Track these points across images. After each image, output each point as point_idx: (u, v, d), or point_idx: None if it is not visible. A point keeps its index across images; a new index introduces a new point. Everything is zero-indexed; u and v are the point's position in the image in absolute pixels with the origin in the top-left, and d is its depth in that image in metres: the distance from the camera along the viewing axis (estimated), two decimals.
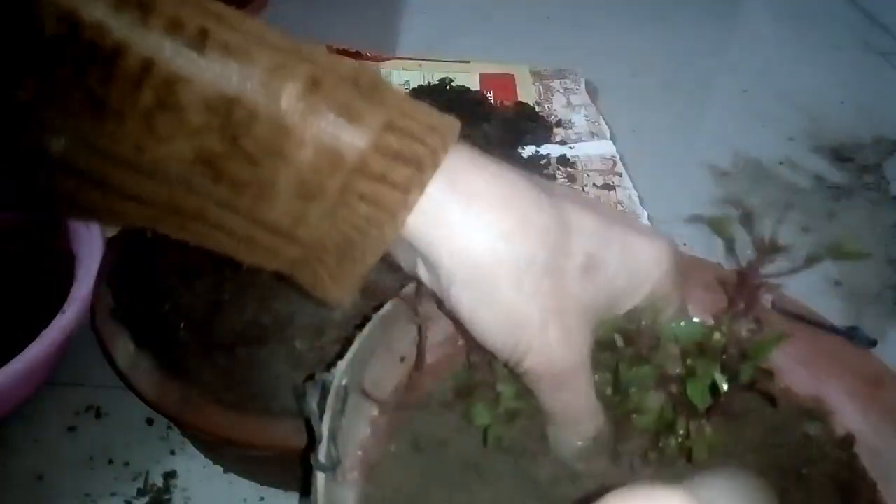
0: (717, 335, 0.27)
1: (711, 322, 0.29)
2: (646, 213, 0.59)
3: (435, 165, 0.24)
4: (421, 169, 0.24)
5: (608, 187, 0.62)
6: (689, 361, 0.27)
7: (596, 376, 0.27)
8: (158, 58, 0.22)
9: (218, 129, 0.23)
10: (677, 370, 0.28)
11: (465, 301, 0.25)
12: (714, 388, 0.26)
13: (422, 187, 0.24)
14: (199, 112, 0.23)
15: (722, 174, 0.68)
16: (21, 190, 0.25)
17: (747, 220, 0.27)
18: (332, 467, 0.26)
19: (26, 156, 0.24)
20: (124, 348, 0.37)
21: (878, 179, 0.68)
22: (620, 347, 0.28)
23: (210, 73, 0.23)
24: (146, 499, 0.40)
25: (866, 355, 0.31)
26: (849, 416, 0.31)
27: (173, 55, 0.22)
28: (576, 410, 0.27)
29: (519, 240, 0.25)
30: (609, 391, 0.28)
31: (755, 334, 0.27)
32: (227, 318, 0.44)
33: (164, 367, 0.37)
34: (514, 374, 0.27)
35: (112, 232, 0.45)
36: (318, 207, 0.24)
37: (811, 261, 0.26)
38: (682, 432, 0.27)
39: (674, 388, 0.27)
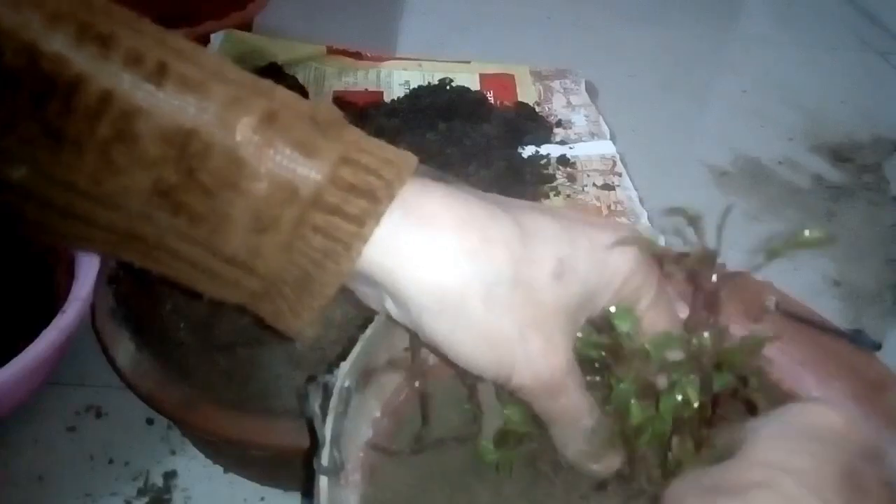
0: (694, 344, 0.27)
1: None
2: (646, 213, 0.59)
3: (391, 197, 0.24)
4: (376, 201, 0.24)
5: (608, 187, 0.62)
6: (671, 375, 0.27)
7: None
8: (117, 90, 0.23)
9: (174, 160, 0.23)
10: (663, 381, 0.27)
11: (440, 329, 0.25)
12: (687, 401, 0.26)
13: (377, 218, 0.24)
14: (156, 144, 0.23)
15: (721, 174, 0.68)
16: None
17: (694, 222, 0.27)
18: (336, 471, 0.26)
19: None
20: (125, 348, 0.37)
21: (878, 179, 0.68)
22: (607, 364, 0.27)
23: (167, 105, 0.23)
24: (146, 498, 0.40)
25: (870, 358, 0.31)
26: None
27: (132, 88, 0.23)
28: (573, 412, 0.26)
29: (483, 257, 0.25)
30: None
31: (721, 342, 0.27)
32: (227, 318, 0.44)
33: (165, 366, 0.37)
34: (507, 393, 0.27)
35: None
36: (274, 240, 0.24)
37: (772, 254, 0.26)
38: (676, 444, 0.27)
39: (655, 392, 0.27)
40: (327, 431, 0.26)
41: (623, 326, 0.27)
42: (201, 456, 0.42)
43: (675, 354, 0.28)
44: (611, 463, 0.28)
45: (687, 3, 0.96)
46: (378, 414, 0.30)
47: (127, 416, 0.43)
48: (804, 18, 0.95)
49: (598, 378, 0.28)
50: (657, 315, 0.28)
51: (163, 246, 0.25)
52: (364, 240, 0.24)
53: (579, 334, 0.27)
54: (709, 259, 0.27)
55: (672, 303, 0.29)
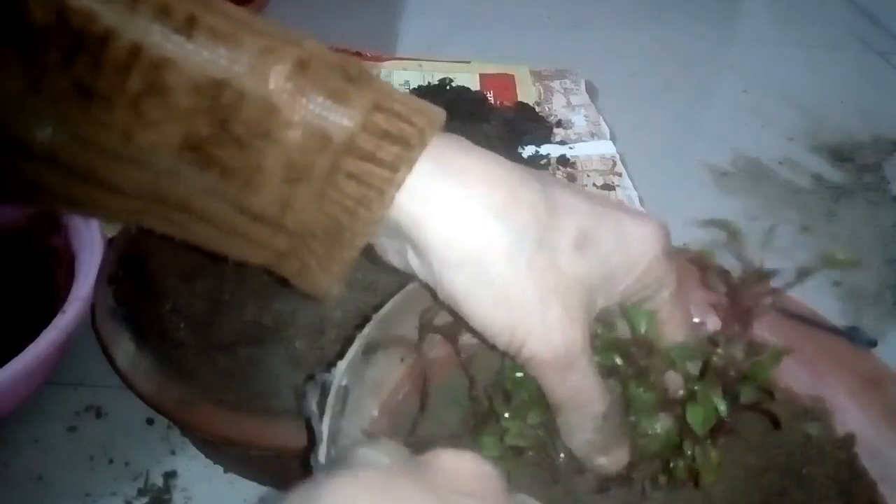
0: (715, 358, 0.26)
1: (709, 323, 0.29)
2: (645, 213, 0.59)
3: (423, 144, 0.24)
4: (409, 147, 0.24)
5: (608, 187, 0.62)
6: (689, 385, 0.27)
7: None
8: (146, 42, 0.22)
9: (206, 111, 0.23)
10: (680, 392, 0.27)
11: (460, 283, 0.25)
12: (715, 410, 0.25)
13: (410, 164, 0.24)
14: (188, 95, 0.23)
15: (722, 174, 0.68)
16: (4, 182, 0.25)
17: (734, 238, 0.27)
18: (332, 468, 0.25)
19: (11, 147, 0.24)
20: (124, 348, 0.37)
21: (878, 179, 0.68)
22: (622, 368, 0.27)
23: (198, 56, 0.23)
24: (146, 499, 0.40)
25: (866, 355, 0.31)
26: (849, 415, 0.31)
27: (161, 40, 0.23)
28: (584, 392, 0.26)
29: (510, 215, 0.24)
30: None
31: (752, 354, 0.27)
32: (227, 318, 0.44)
33: (165, 366, 0.37)
34: (517, 367, 0.27)
35: (113, 232, 0.45)
36: (306, 190, 0.24)
37: (803, 274, 0.26)
38: (689, 453, 0.26)
39: (678, 410, 0.27)
40: (324, 429, 0.26)
41: (642, 326, 0.27)
42: (201, 456, 0.42)
43: (693, 366, 0.27)
44: (619, 458, 0.27)
45: (687, 3, 0.96)
46: (376, 413, 0.30)
47: (127, 417, 0.43)
48: (804, 18, 0.95)
49: (611, 380, 0.28)
50: (673, 312, 0.27)
51: (188, 207, 0.25)
52: (397, 186, 0.24)
53: (598, 331, 0.27)
54: (762, 281, 0.27)
55: (687, 304, 0.29)
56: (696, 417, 0.25)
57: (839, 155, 0.71)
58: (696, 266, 0.30)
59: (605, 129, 0.69)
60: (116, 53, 0.22)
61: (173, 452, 0.42)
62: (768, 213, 0.63)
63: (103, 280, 0.40)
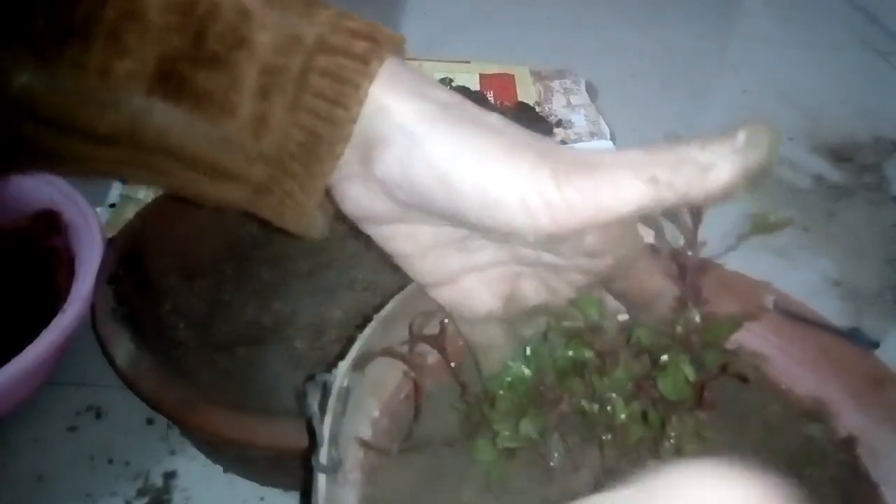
0: (678, 328, 0.27)
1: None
2: None
3: (389, 41, 0.25)
4: (377, 43, 0.24)
5: None
6: (659, 359, 0.27)
7: (569, 401, 0.27)
8: None
9: (180, 28, 0.24)
10: (652, 373, 0.27)
11: (440, 144, 0.24)
12: (684, 377, 0.26)
13: (381, 58, 0.24)
14: (163, 13, 0.23)
15: None
16: None
17: (671, 213, 0.27)
18: (334, 469, 0.25)
19: None
20: (124, 348, 0.37)
21: (878, 179, 0.68)
22: (588, 359, 0.27)
23: None
24: (146, 499, 0.40)
25: (868, 356, 0.31)
26: (850, 416, 0.31)
27: None
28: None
29: (482, 121, 0.25)
30: (589, 407, 0.28)
31: (710, 322, 0.27)
32: (227, 318, 0.44)
33: (165, 366, 0.37)
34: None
35: (113, 232, 0.45)
36: (280, 99, 0.24)
37: (741, 238, 0.26)
38: (672, 433, 0.27)
39: (653, 392, 0.27)
40: (326, 430, 0.26)
41: (593, 312, 0.27)
42: (201, 456, 0.42)
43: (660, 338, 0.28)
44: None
45: (687, 3, 0.96)
46: (377, 414, 0.30)
47: (127, 417, 0.43)
48: (804, 18, 0.95)
49: (580, 378, 0.28)
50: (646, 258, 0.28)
51: (165, 148, 0.25)
52: (370, 77, 0.24)
53: (552, 325, 0.28)
54: (698, 246, 0.27)
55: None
56: (667, 386, 0.26)
57: (839, 155, 0.71)
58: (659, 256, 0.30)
59: (605, 128, 0.69)
60: None
61: (173, 452, 0.42)
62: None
63: (103, 280, 0.40)
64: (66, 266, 0.44)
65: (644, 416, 0.27)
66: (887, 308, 0.55)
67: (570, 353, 0.27)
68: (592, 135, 0.68)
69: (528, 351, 0.28)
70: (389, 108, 0.24)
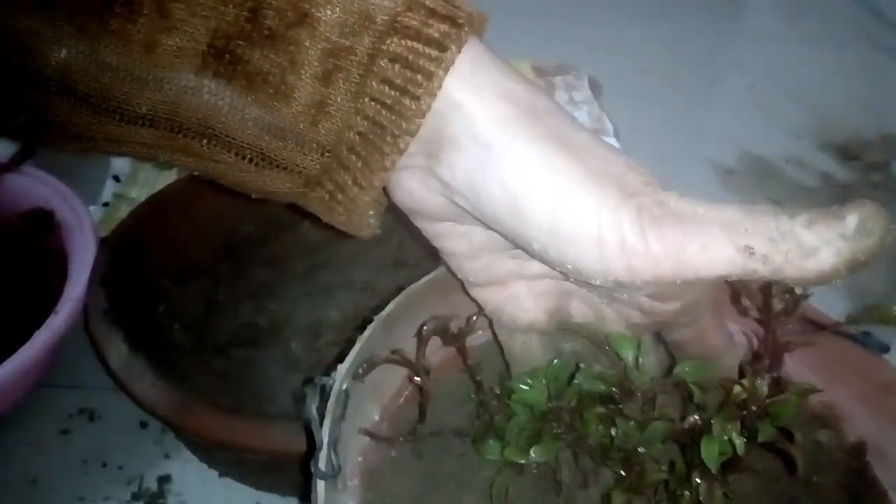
0: (737, 389, 0.24)
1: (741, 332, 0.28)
2: None
3: (471, 24, 0.22)
4: (458, 26, 0.21)
5: None
6: (703, 414, 0.25)
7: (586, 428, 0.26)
8: None
9: (235, 1, 0.21)
10: (694, 418, 0.25)
11: (516, 175, 0.21)
12: (731, 445, 0.24)
13: (460, 43, 0.21)
14: None
15: (727, 172, 0.67)
16: (10, 115, 0.24)
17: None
18: (333, 475, 0.25)
19: (20, 76, 0.22)
20: (118, 350, 0.36)
21: (886, 178, 0.67)
22: (615, 394, 0.26)
23: None
24: (140, 503, 0.39)
25: (878, 361, 0.30)
26: (860, 422, 0.30)
27: None
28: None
29: (538, 101, 0.23)
30: (607, 440, 0.26)
31: (777, 391, 0.25)
32: (221, 320, 0.44)
33: (158, 369, 0.36)
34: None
35: (106, 231, 0.45)
36: (343, 86, 0.21)
37: (852, 321, 0.24)
38: (696, 483, 0.25)
39: (686, 440, 0.26)
40: (325, 435, 0.25)
41: (628, 354, 0.26)
42: (196, 460, 0.41)
43: (707, 396, 0.26)
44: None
45: None
46: (377, 417, 0.29)
47: (120, 420, 0.43)
48: (811, 15, 0.94)
49: (602, 409, 0.26)
50: (710, 325, 0.26)
51: (209, 131, 0.23)
52: (447, 67, 0.21)
53: (582, 365, 0.26)
54: (797, 312, 0.25)
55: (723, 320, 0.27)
56: (710, 452, 0.24)
57: (846, 153, 0.70)
58: (729, 286, 0.27)
59: (608, 125, 0.68)
60: None
61: (167, 456, 0.41)
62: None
63: (96, 281, 0.40)
64: (58, 266, 0.43)
65: (671, 465, 0.26)
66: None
67: (601, 386, 0.26)
68: (596, 131, 0.67)
69: (548, 373, 0.27)
70: (466, 108, 0.22)
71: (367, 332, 0.28)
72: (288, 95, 0.22)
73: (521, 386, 0.27)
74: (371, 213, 0.24)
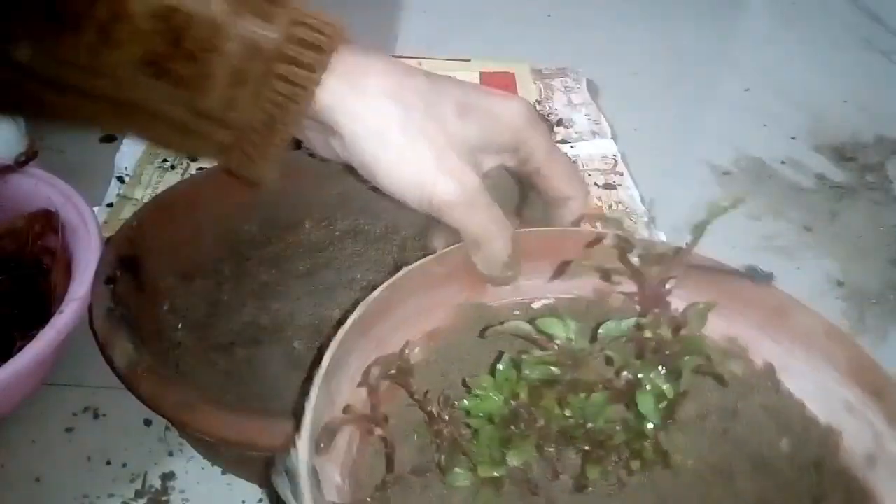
0: (648, 338, 0.27)
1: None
2: (647, 213, 0.59)
3: (333, 49, 0.31)
4: (322, 52, 0.31)
5: (609, 186, 0.62)
6: (629, 370, 0.27)
7: (542, 420, 0.27)
8: None
9: (162, 32, 0.29)
10: (625, 374, 0.27)
11: (369, 153, 0.31)
12: (663, 394, 0.26)
13: (324, 66, 0.31)
14: (147, 20, 0.29)
15: (724, 173, 0.67)
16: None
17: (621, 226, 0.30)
18: None
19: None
20: (122, 348, 0.36)
21: (881, 179, 0.68)
22: (558, 376, 0.27)
23: None
24: (144, 500, 0.39)
25: (768, 289, 0.32)
26: (764, 347, 0.32)
27: None
28: (491, 227, 0.32)
29: (398, 96, 0.32)
30: (567, 419, 0.27)
31: (677, 329, 0.28)
32: (225, 319, 0.44)
33: (163, 367, 0.36)
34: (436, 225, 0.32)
35: (110, 231, 0.45)
36: (246, 91, 0.30)
37: (699, 230, 0.27)
38: (651, 435, 0.27)
39: (627, 398, 0.27)
40: None
41: (559, 332, 0.27)
42: (199, 457, 0.41)
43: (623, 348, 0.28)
44: (517, 270, 0.34)
45: (689, 1, 0.95)
46: (339, 479, 0.27)
47: (124, 418, 0.43)
48: (807, 17, 0.94)
49: (553, 393, 0.27)
50: (552, 164, 0.34)
51: (146, 109, 0.31)
52: (316, 83, 0.31)
53: (525, 356, 0.27)
54: (658, 261, 0.28)
55: (564, 153, 0.35)
56: (647, 406, 0.26)
57: (842, 154, 0.71)
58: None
59: (606, 127, 0.68)
60: None
61: (171, 454, 0.42)
62: (771, 213, 0.63)
63: (101, 280, 0.40)
64: (63, 266, 0.44)
65: (626, 423, 0.27)
66: (890, 307, 0.55)
67: (547, 369, 0.27)
68: (594, 133, 0.68)
69: (497, 377, 0.28)
70: (332, 108, 0.31)
71: (311, 398, 0.27)
72: (205, 94, 0.30)
73: (476, 399, 0.27)
74: (269, 170, 0.33)
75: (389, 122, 0.31)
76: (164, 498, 0.40)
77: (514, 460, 0.27)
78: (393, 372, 0.28)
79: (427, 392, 0.29)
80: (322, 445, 0.26)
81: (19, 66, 0.29)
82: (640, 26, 0.89)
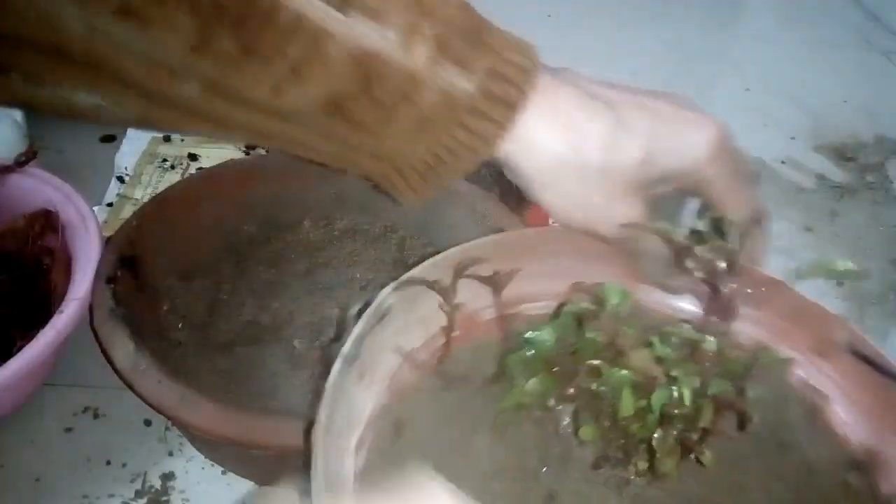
0: (708, 343, 0.28)
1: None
2: None
3: (521, 108, 0.30)
4: (514, 110, 0.30)
5: None
6: (672, 370, 0.27)
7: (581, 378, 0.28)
8: (308, 14, 0.27)
9: (355, 76, 0.28)
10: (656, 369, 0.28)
11: (545, 197, 0.32)
12: (680, 396, 0.27)
13: (514, 122, 0.30)
14: (344, 63, 0.28)
15: None
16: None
17: (719, 227, 0.30)
18: (352, 361, 0.26)
19: (150, 99, 0.28)
20: (123, 348, 0.36)
21: (881, 179, 0.68)
22: (600, 344, 0.28)
23: (353, 31, 0.27)
24: (144, 500, 0.39)
25: (825, 314, 0.31)
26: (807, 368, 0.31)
27: (322, 14, 0.27)
28: (652, 247, 0.32)
29: (579, 150, 0.31)
30: (596, 388, 0.28)
31: (731, 349, 0.28)
32: (225, 318, 0.44)
33: (164, 367, 0.36)
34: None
35: (110, 231, 0.45)
36: (425, 137, 0.30)
37: (800, 277, 0.27)
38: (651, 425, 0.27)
39: (645, 389, 0.28)
40: (356, 328, 0.27)
41: (613, 300, 0.29)
42: (199, 457, 0.41)
43: (668, 349, 0.28)
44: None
45: (689, 1, 0.95)
46: (418, 345, 0.30)
47: (124, 418, 0.43)
48: (807, 17, 0.94)
49: (596, 362, 0.29)
50: (726, 195, 0.34)
51: (304, 144, 0.31)
52: (503, 138, 0.30)
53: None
54: (726, 255, 0.28)
55: (749, 189, 0.35)
56: (658, 400, 0.27)
57: (842, 154, 0.71)
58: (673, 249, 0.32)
59: None
60: (282, 21, 0.26)
61: (171, 454, 0.42)
62: (771, 213, 0.63)
63: (101, 280, 0.40)
64: (63, 266, 0.44)
65: (643, 415, 0.28)
66: (891, 308, 0.55)
67: (587, 335, 0.29)
68: None
69: (560, 320, 0.30)
70: (508, 155, 0.31)
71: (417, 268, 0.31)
72: (382, 139, 0.30)
73: (535, 331, 0.29)
74: (415, 202, 0.33)
75: (567, 174, 0.31)
76: (163, 498, 0.40)
77: (533, 386, 0.29)
78: (492, 276, 0.31)
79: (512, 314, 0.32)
80: (401, 286, 0.30)
81: (181, 106, 0.28)
82: (640, 26, 0.89)
